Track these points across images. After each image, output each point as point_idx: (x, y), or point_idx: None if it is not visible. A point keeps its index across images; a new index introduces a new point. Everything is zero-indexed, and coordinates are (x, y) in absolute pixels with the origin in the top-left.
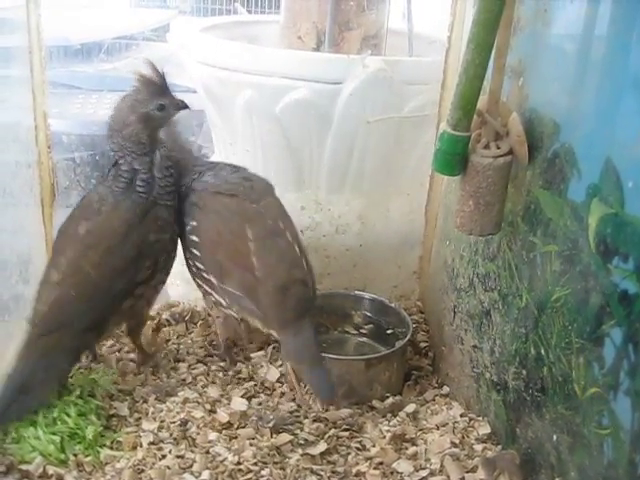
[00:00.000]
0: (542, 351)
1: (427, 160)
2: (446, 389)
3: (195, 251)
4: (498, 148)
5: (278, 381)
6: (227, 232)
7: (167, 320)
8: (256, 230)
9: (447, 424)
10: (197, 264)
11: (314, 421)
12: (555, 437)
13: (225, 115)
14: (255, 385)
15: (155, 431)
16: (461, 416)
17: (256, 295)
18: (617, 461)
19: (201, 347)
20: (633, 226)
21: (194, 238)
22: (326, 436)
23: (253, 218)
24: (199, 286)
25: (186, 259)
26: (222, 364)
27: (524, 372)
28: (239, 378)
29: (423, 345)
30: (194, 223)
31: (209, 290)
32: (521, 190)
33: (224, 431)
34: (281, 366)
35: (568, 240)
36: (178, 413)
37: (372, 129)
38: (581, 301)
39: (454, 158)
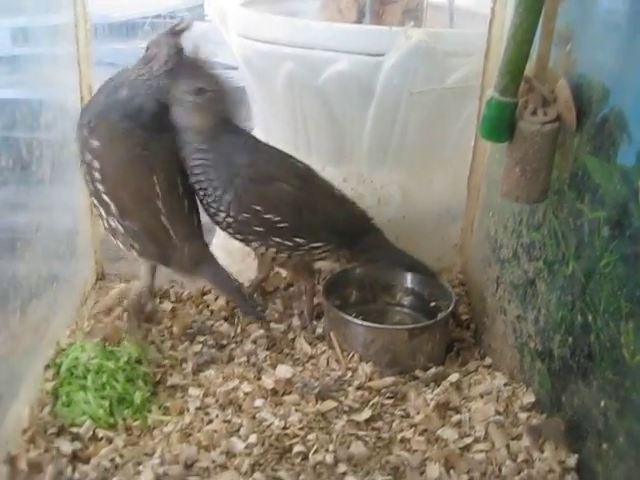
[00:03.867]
0: (589, 318)
1: (470, 132)
2: (488, 360)
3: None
4: (545, 114)
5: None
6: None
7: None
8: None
9: (491, 393)
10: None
11: (358, 389)
12: (603, 403)
13: (266, 89)
14: (299, 353)
15: (201, 397)
16: (505, 385)
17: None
18: None
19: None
20: None
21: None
22: (370, 403)
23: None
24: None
25: None
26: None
27: (570, 340)
28: (282, 347)
29: (465, 317)
30: None
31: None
32: (568, 157)
33: (270, 398)
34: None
35: (617, 205)
36: (224, 380)
37: (414, 101)
38: (631, 266)
39: (501, 124)
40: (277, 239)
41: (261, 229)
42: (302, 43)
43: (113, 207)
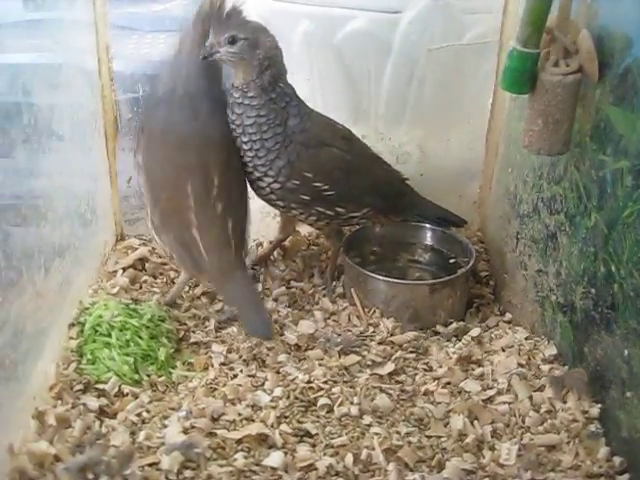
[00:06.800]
0: (612, 268)
1: (488, 88)
2: (508, 316)
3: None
4: (567, 66)
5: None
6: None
7: None
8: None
9: (512, 346)
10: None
11: (380, 344)
12: (626, 352)
13: (282, 48)
14: (320, 310)
15: (225, 353)
16: (526, 339)
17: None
18: None
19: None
20: None
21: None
22: (393, 357)
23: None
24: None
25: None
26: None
27: (593, 291)
28: (303, 304)
29: (484, 274)
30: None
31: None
32: (589, 109)
33: (293, 353)
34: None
35: None
36: (247, 336)
37: (432, 58)
38: None
39: (523, 75)
40: (320, 208)
41: (307, 197)
42: (318, 1)
43: (152, 221)
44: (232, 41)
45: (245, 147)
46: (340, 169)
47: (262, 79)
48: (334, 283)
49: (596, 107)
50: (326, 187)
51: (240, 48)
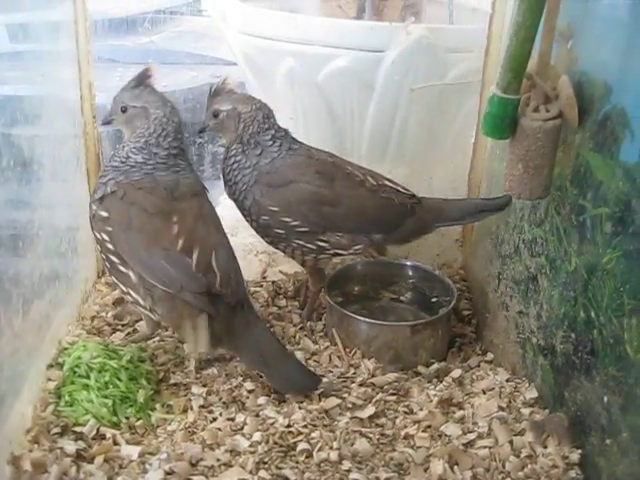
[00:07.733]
0: (592, 314)
1: (470, 128)
2: (490, 356)
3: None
4: (547, 111)
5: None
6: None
7: None
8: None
9: (493, 389)
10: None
11: (361, 386)
12: (606, 399)
13: (266, 85)
14: (302, 350)
15: (204, 395)
16: (507, 381)
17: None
18: None
19: None
20: None
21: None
22: (374, 400)
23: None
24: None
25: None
26: None
27: (573, 335)
28: (285, 344)
29: (466, 313)
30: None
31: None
32: (570, 154)
33: (273, 395)
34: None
35: (620, 202)
36: (227, 378)
37: (414, 97)
38: (634, 262)
39: (504, 121)
40: (299, 241)
41: (282, 231)
42: (302, 39)
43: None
44: (216, 114)
45: (229, 192)
46: (309, 201)
47: (242, 137)
48: (309, 323)
49: (576, 152)
50: (296, 223)
51: (222, 119)
